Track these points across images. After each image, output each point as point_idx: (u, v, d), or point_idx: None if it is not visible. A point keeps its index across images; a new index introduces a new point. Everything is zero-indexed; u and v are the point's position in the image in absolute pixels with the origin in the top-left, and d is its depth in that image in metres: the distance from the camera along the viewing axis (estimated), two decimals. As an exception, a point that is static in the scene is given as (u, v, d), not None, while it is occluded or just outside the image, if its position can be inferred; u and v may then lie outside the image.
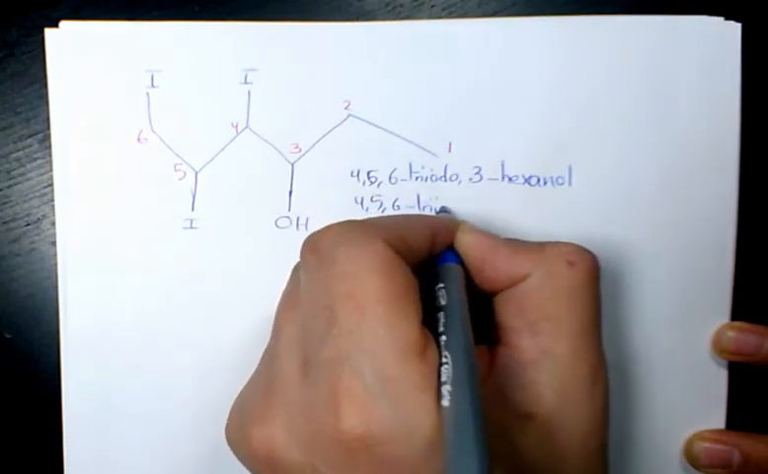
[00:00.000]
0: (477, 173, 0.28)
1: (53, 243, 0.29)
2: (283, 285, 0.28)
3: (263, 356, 0.24)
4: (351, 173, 0.28)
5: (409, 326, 0.19)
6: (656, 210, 0.28)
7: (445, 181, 0.28)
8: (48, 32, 0.28)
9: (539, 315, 0.22)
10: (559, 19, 0.28)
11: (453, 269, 0.23)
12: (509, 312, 0.23)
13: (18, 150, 0.29)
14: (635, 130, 0.28)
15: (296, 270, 0.24)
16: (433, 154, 0.28)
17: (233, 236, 0.28)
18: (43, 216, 0.29)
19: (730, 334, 0.27)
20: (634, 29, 0.28)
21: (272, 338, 0.23)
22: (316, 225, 0.28)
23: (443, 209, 0.28)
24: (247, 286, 0.28)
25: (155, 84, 0.28)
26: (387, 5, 0.29)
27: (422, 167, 0.28)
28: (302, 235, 0.28)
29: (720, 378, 0.28)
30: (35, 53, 0.29)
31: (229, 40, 0.28)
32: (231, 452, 0.29)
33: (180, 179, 0.28)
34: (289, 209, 0.28)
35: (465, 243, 0.24)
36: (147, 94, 0.28)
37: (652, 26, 0.28)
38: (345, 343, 0.19)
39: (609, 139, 0.28)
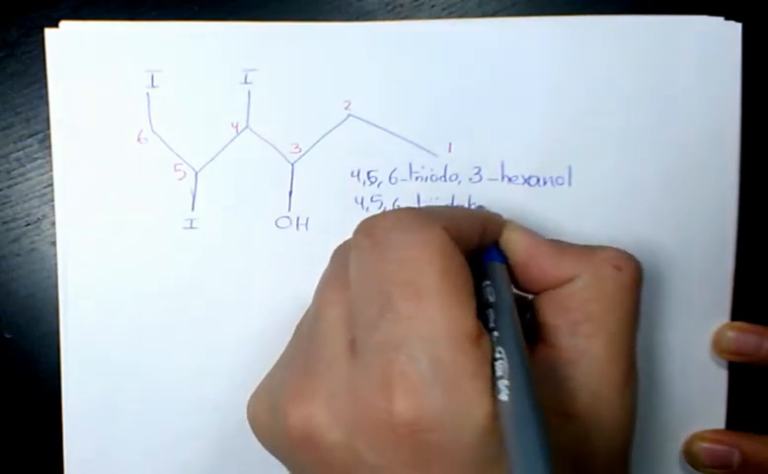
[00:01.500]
0: (477, 173, 0.28)
1: (53, 243, 0.29)
2: (283, 285, 0.28)
3: (294, 340, 0.24)
4: (352, 173, 0.28)
5: (465, 315, 0.19)
6: (656, 210, 0.28)
7: (445, 181, 0.28)
8: (48, 32, 0.28)
9: (582, 316, 0.22)
10: (559, 19, 0.28)
11: (499, 267, 0.23)
12: (552, 312, 0.23)
13: (18, 150, 0.29)
14: (635, 130, 0.28)
15: (339, 253, 0.24)
16: (433, 154, 0.28)
17: (233, 236, 0.28)
18: (43, 216, 0.29)
19: (730, 334, 0.27)
20: (634, 29, 0.28)
21: (312, 319, 0.22)
22: (316, 225, 0.28)
23: (480, 208, 0.28)
24: (247, 286, 0.28)
25: (155, 84, 0.28)
26: (387, 5, 0.29)
27: (423, 167, 0.28)
28: (302, 235, 0.28)
29: (720, 378, 0.28)
30: (35, 53, 0.29)
31: (229, 40, 0.28)
32: (231, 452, 0.29)
33: (180, 179, 0.28)
34: (289, 209, 0.28)
35: (512, 241, 0.24)
36: (147, 94, 0.28)
37: (652, 26, 0.28)
38: (401, 328, 0.19)
39: (609, 139, 0.28)
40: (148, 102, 0.28)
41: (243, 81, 0.28)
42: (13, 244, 0.29)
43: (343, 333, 0.21)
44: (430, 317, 0.19)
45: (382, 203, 0.28)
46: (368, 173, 0.28)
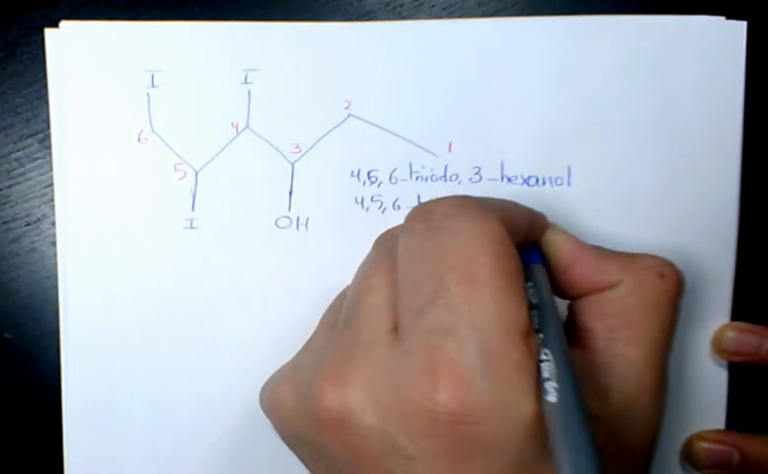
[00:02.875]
0: (477, 173, 0.28)
1: (53, 243, 0.29)
2: (283, 285, 0.28)
3: (325, 325, 0.24)
4: (352, 173, 0.28)
5: (517, 307, 0.19)
6: (657, 211, 0.28)
7: (445, 181, 0.28)
8: (48, 32, 0.28)
9: (622, 322, 0.22)
10: (559, 19, 0.28)
11: (540, 269, 0.23)
12: (590, 316, 0.22)
13: (18, 150, 0.29)
14: (635, 131, 0.28)
15: (383, 241, 0.23)
16: (433, 154, 0.28)
17: (233, 236, 0.28)
18: (43, 216, 0.29)
19: (730, 334, 0.27)
20: (634, 29, 0.28)
21: (352, 304, 0.22)
22: (316, 225, 0.28)
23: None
24: (247, 286, 0.28)
25: (155, 84, 0.28)
26: (387, 5, 0.29)
27: (423, 167, 0.28)
28: (302, 235, 0.28)
29: (720, 378, 0.28)
30: (35, 53, 0.29)
31: (229, 40, 0.28)
32: (231, 452, 0.29)
33: (180, 179, 0.28)
34: (289, 209, 0.28)
35: (556, 243, 0.24)
36: (147, 94, 0.28)
37: (653, 26, 0.28)
38: (452, 314, 0.18)
39: (609, 140, 0.28)
40: (148, 102, 0.28)
41: (243, 81, 0.28)
42: (13, 244, 0.29)
43: (385, 317, 0.20)
44: (483, 305, 0.18)
45: (382, 203, 0.28)
46: (368, 173, 0.28)
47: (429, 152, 0.28)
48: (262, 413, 0.28)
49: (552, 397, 0.18)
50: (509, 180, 0.28)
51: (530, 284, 0.22)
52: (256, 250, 0.28)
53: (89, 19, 0.28)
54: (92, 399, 0.28)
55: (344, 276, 0.28)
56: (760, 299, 0.28)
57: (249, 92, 0.28)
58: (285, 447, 0.29)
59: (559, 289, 0.23)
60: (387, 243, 0.23)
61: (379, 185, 0.28)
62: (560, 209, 0.28)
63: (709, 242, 0.28)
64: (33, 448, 0.30)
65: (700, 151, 0.28)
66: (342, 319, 0.22)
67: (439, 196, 0.28)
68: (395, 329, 0.20)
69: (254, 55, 0.28)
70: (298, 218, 0.28)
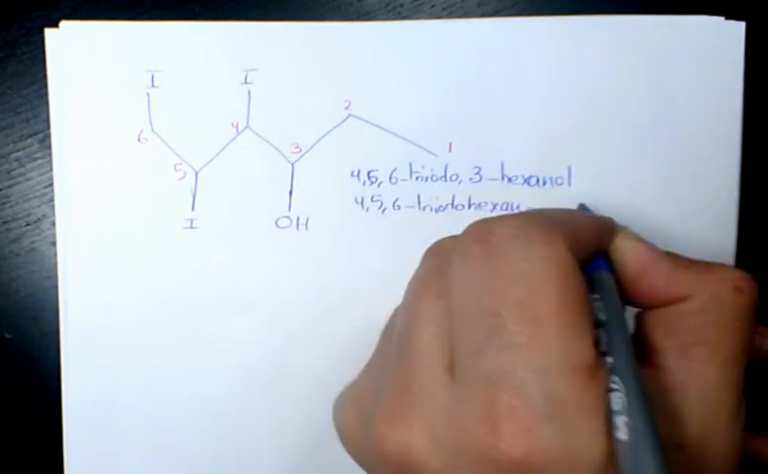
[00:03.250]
0: (477, 173, 0.28)
1: (53, 243, 0.29)
2: (283, 285, 0.28)
3: (382, 350, 0.22)
4: (352, 173, 0.28)
5: (583, 343, 0.18)
6: (657, 211, 0.28)
7: (445, 181, 0.28)
8: (48, 32, 0.28)
9: (695, 339, 0.20)
10: (559, 19, 0.28)
11: (608, 278, 0.21)
12: (661, 331, 0.21)
13: (18, 150, 0.29)
14: (634, 131, 0.28)
15: (434, 255, 0.22)
16: (433, 154, 0.28)
17: (233, 236, 0.28)
18: (43, 216, 0.29)
19: (731, 334, 0.27)
20: (634, 29, 0.28)
21: (405, 332, 0.20)
22: (316, 225, 0.28)
23: (583, 207, 0.27)
24: (247, 286, 0.28)
25: (155, 84, 0.28)
26: (387, 5, 0.29)
27: (423, 167, 0.28)
28: (302, 235, 0.28)
29: (720, 378, 0.28)
30: (35, 53, 0.29)
31: (229, 40, 0.28)
32: (231, 452, 0.29)
33: (180, 179, 0.28)
34: (289, 209, 0.28)
35: (625, 250, 0.22)
36: (147, 94, 0.28)
37: (653, 26, 0.28)
38: (512, 357, 0.17)
39: (609, 140, 0.28)
40: (148, 102, 0.28)
41: (243, 81, 0.28)
42: (13, 244, 0.29)
43: (440, 352, 0.19)
44: (546, 346, 0.17)
45: (382, 203, 0.28)
46: (368, 173, 0.28)
47: (429, 152, 0.28)
48: (261, 413, 0.28)
49: (623, 434, 0.17)
50: (509, 180, 0.28)
51: (597, 296, 0.20)
52: (256, 250, 0.28)
53: (89, 19, 0.28)
54: (92, 399, 0.28)
55: (344, 275, 0.28)
56: (760, 299, 0.28)
57: (249, 92, 0.28)
58: (285, 447, 0.29)
59: (625, 299, 0.22)
60: (437, 259, 0.21)
61: (379, 185, 0.28)
62: (560, 209, 0.28)
63: (709, 242, 0.28)
64: (33, 448, 0.30)
65: (700, 151, 0.28)
66: (395, 348, 0.21)
67: (439, 196, 0.28)
68: (451, 366, 0.19)
69: (254, 55, 0.28)
70: (298, 218, 0.28)
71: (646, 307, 0.22)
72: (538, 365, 0.17)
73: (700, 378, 0.20)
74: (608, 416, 0.17)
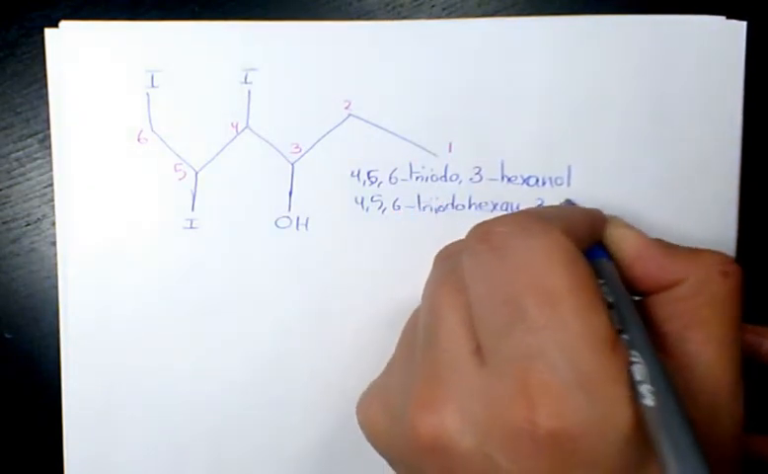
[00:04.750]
0: (477, 173, 0.28)
1: (53, 243, 0.29)
2: (283, 285, 0.28)
3: (406, 346, 0.23)
4: (352, 173, 0.28)
5: (599, 318, 0.19)
6: (656, 211, 0.28)
7: (445, 181, 0.28)
8: (48, 32, 0.28)
9: (692, 322, 0.21)
10: (559, 19, 0.28)
11: (608, 264, 0.22)
12: (660, 317, 0.22)
13: (18, 150, 0.29)
14: (634, 131, 0.28)
15: (444, 258, 0.23)
16: (433, 154, 0.28)
17: (233, 236, 0.28)
18: (43, 216, 0.29)
19: (731, 334, 0.27)
20: (634, 29, 0.28)
21: (429, 324, 0.22)
22: (316, 225, 0.28)
23: (569, 202, 0.27)
24: (247, 286, 0.28)
25: (155, 84, 0.28)
26: (387, 5, 0.29)
27: (423, 167, 0.28)
28: (302, 235, 0.28)
29: (720, 378, 0.28)
30: (35, 53, 0.29)
31: (229, 40, 0.28)
32: (232, 451, 0.29)
33: (180, 179, 0.28)
34: (289, 209, 0.28)
35: (617, 238, 0.23)
36: (147, 94, 0.28)
37: (652, 25, 0.28)
38: (537, 338, 0.18)
39: (608, 140, 0.28)
40: (148, 102, 0.28)
41: (243, 81, 0.28)
42: (13, 244, 0.29)
43: (466, 338, 0.20)
44: (566, 324, 0.18)
45: (382, 203, 0.28)
46: (368, 173, 0.28)
47: (429, 152, 0.28)
48: (261, 413, 0.28)
49: (649, 400, 0.18)
50: (509, 180, 0.28)
51: (602, 282, 0.21)
52: (256, 250, 0.28)
53: (89, 19, 0.28)
54: (92, 399, 0.28)
55: (344, 276, 0.28)
56: (760, 299, 0.28)
57: (249, 92, 0.28)
58: (285, 447, 0.29)
59: (625, 286, 0.23)
60: (448, 261, 0.23)
61: (379, 185, 0.28)
62: (560, 209, 0.28)
63: (709, 242, 0.28)
64: (33, 448, 0.30)
65: (700, 151, 0.28)
66: (421, 342, 0.22)
67: (439, 195, 0.28)
68: (478, 350, 0.20)
69: (254, 55, 0.28)
70: (298, 218, 0.28)
71: (642, 294, 0.22)
72: (562, 343, 0.18)
73: (701, 360, 0.21)
74: (632, 385, 0.18)
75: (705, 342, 0.21)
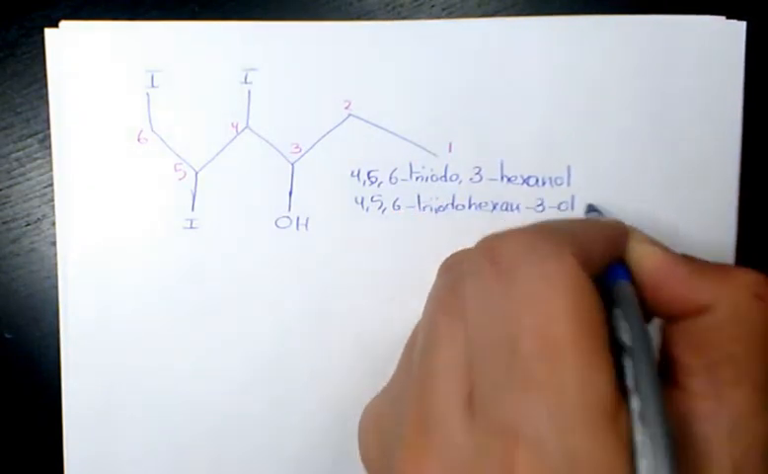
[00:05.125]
0: (477, 173, 0.28)
1: (53, 243, 0.29)
2: (283, 285, 0.28)
3: (406, 360, 0.22)
4: (352, 173, 0.28)
5: (604, 381, 0.16)
6: (656, 210, 0.28)
7: (445, 181, 0.28)
8: (48, 32, 0.28)
9: (722, 357, 0.18)
10: (559, 19, 0.28)
11: (627, 289, 0.19)
12: (684, 347, 0.19)
13: (18, 150, 0.29)
14: (634, 131, 0.28)
15: (449, 271, 0.21)
16: (433, 154, 0.28)
17: (233, 236, 0.28)
18: (43, 216, 0.29)
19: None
20: (634, 29, 0.28)
21: (424, 351, 0.20)
22: (316, 225, 0.28)
23: (591, 208, 0.26)
24: (247, 286, 0.28)
25: (155, 84, 0.28)
26: (387, 5, 0.29)
27: (423, 167, 0.28)
28: (302, 235, 0.28)
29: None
30: (35, 53, 0.29)
31: (229, 40, 0.28)
32: (232, 451, 0.29)
33: (180, 179, 0.28)
34: (289, 209, 0.28)
35: (640, 255, 0.20)
36: (147, 94, 0.28)
37: (653, 25, 0.28)
38: (530, 402, 0.17)
39: (608, 140, 0.28)
40: (148, 102, 0.28)
41: (243, 81, 0.28)
42: (13, 244, 0.29)
43: (458, 381, 0.18)
44: (563, 387, 0.16)
45: (382, 203, 0.28)
46: (368, 173, 0.28)
47: (429, 152, 0.28)
48: (261, 413, 0.28)
49: None
50: (509, 180, 0.28)
51: (618, 312, 0.19)
52: (256, 250, 0.28)
53: (89, 19, 0.28)
54: (92, 399, 0.28)
55: (344, 276, 0.28)
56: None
57: (249, 92, 0.28)
58: (285, 447, 0.29)
59: (645, 310, 0.20)
60: (450, 274, 0.21)
61: (379, 185, 0.28)
62: (559, 209, 0.28)
63: (709, 242, 0.28)
64: (33, 448, 0.30)
65: (700, 151, 0.28)
66: (415, 369, 0.20)
67: (439, 195, 0.28)
68: (470, 399, 0.18)
69: (254, 55, 0.28)
70: (298, 218, 0.28)
71: (667, 319, 0.20)
72: (557, 413, 0.16)
73: (729, 404, 0.18)
74: (632, 465, 0.16)
75: (736, 384, 0.18)
